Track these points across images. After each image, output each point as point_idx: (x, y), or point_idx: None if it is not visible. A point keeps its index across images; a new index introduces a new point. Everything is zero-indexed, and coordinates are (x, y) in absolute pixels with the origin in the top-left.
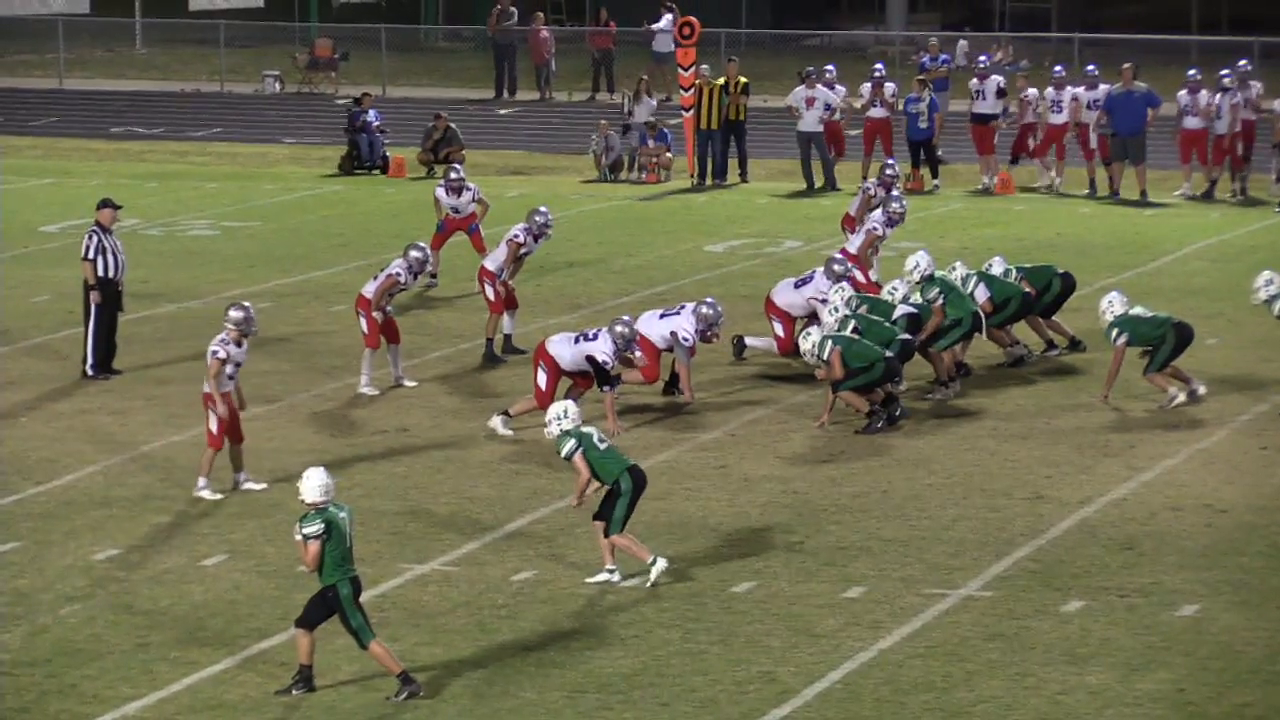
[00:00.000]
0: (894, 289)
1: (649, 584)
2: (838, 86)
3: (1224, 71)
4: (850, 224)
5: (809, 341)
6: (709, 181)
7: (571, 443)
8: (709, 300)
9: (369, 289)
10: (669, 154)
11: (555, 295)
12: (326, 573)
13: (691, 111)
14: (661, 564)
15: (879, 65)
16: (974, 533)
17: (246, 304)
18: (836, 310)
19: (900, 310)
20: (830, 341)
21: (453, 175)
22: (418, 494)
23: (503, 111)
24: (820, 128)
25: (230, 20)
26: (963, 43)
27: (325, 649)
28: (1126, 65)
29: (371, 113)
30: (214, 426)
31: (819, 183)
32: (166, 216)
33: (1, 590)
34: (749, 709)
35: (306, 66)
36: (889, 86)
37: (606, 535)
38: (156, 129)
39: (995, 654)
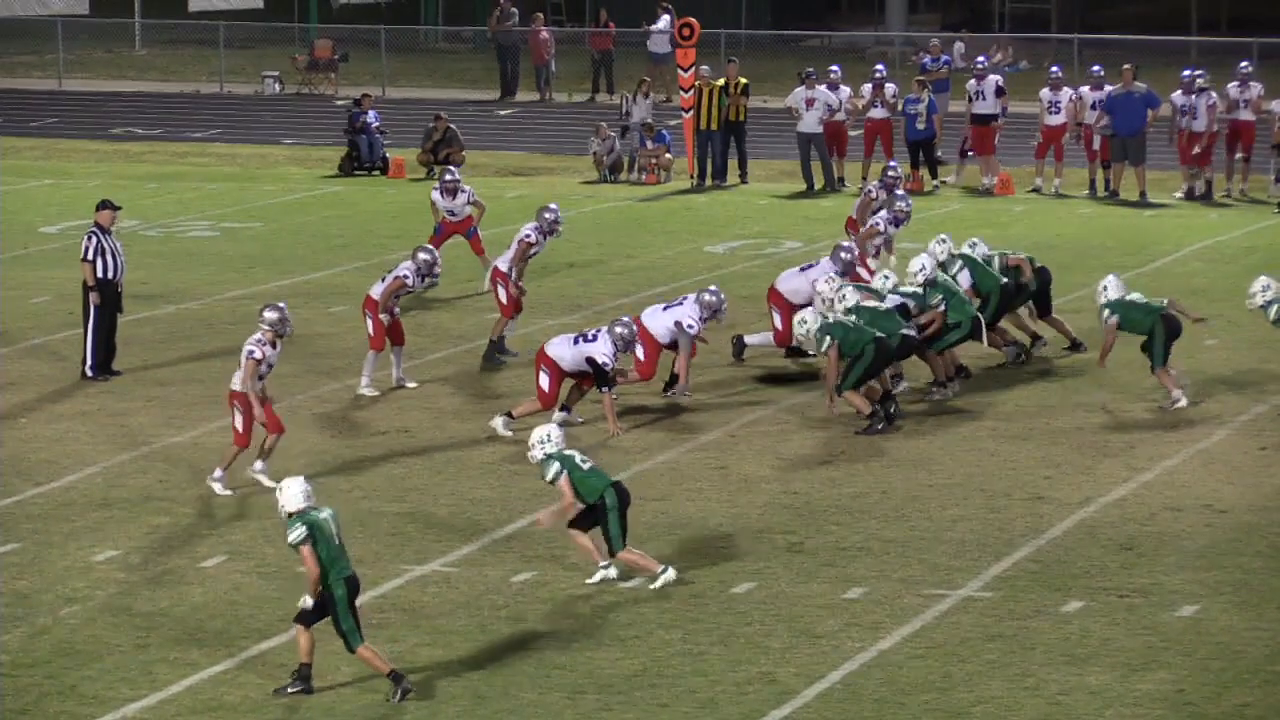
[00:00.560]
0: (886, 277)
1: (652, 586)
2: (842, 88)
3: (1198, 72)
4: (853, 226)
5: (804, 327)
6: (709, 182)
7: (556, 466)
8: (712, 288)
9: (376, 290)
10: (669, 155)
11: (555, 296)
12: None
13: (691, 112)
14: (670, 574)
15: (880, 66)
16: (974, 533)
17: (281, 304)
18: (828, 301)
19: (890, 300)
20: (828, 335)
21: (448, 177)
22: (418, 495)
23: (502, 112)
24: (820, 129)
25: (230, 21)
26: (959, 44)
27: (324, 650)
28: (1126, 66)
29: (371, 114)
30: (240, 425)
31: (819, 184)
32: (166, 217)
33: (1, 591)
34: (749, 710)
35: (306, 67)
36: (889, 87)
37: (612, 554)
38: (156, 130)
39: (995, 654)
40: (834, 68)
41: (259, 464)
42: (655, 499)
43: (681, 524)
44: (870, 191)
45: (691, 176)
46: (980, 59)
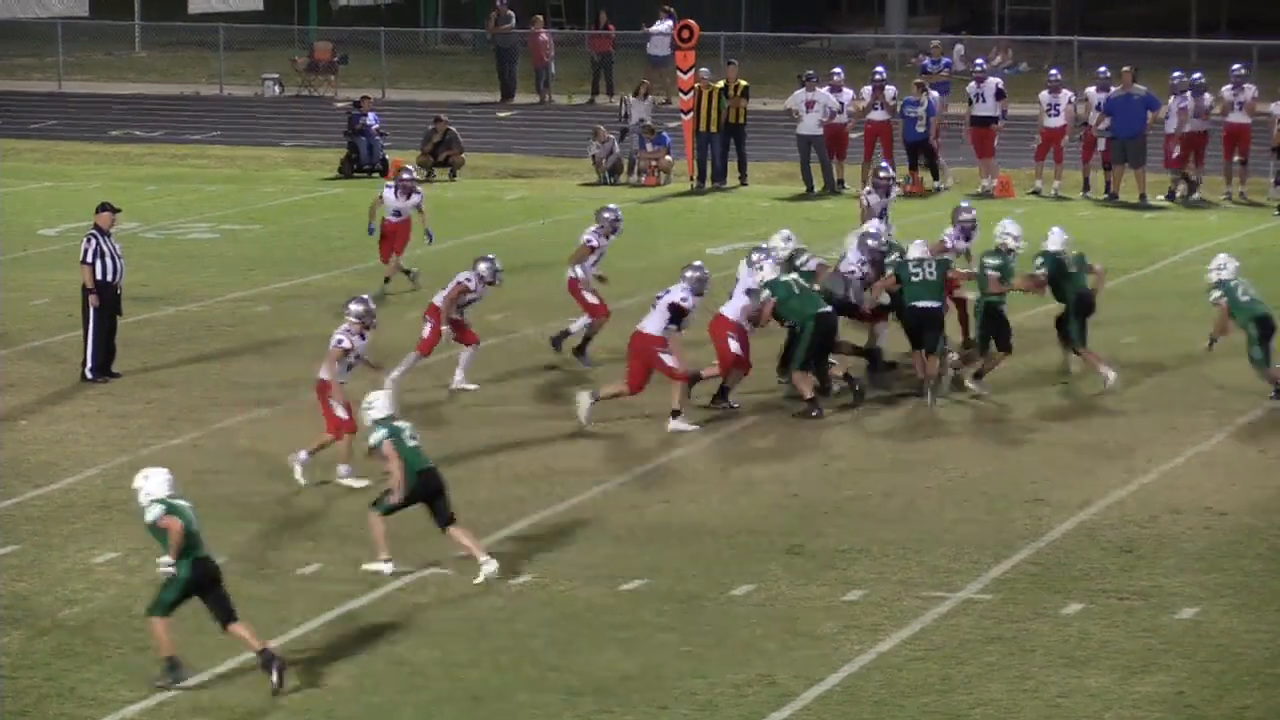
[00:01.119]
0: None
1: (475, 581)
2: (845, 90)
3: (1175, 72)
4: None
5: (756, 277)
6: (709, 184)
7: (382, 432)
8: (695, 264)
9: (440, 298)
10: (668, 157)
11: (555, 297)
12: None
13: (691, 115)
14: (493, 567)
15: (880, 68)
16: (973, 536)
17: (365, 296)
18: (777, 251)
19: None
20: (768, 288)
21: (405, 175)
22: None
23: (502, 114)
24: (820, 131)
25: (229, 23)
26: (959, 46)
27: (323, 651)
28: (1126, 68)
29: (371, 115)
30: (342, 412)
31: (818, 186)
32: (166, 219)
33: (1, 593)
34: (748, 712)
35: (306, 69)
36: (889, 89)
37: (443, 529)
38: (156, 132)
39: (994, 657)
40: (837, 70)
41: (303, 455)
42: (654, 501)
43: (681, 526)
44: (863, 199)
45: (691, 179)
46: (980, 61)
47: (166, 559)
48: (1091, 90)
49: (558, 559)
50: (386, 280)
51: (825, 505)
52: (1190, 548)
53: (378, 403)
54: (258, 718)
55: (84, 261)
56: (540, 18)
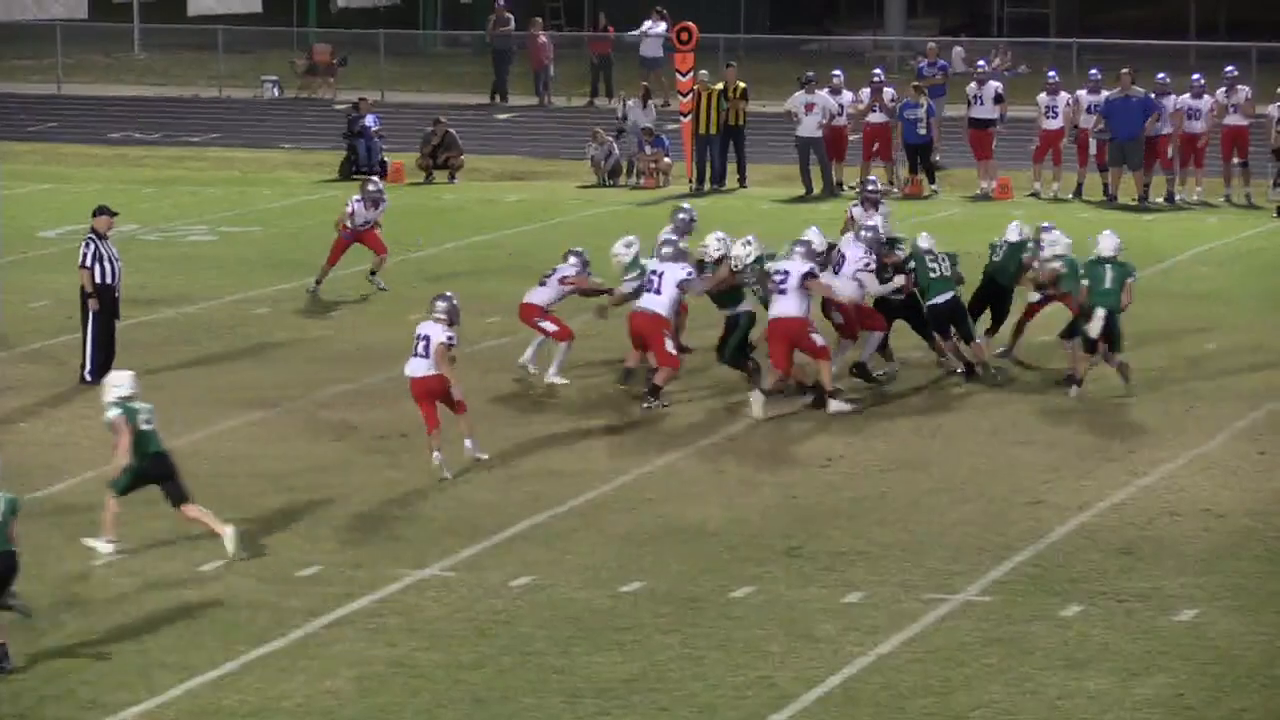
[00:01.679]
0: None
1: (232, 558)
2: (845, 92)
3: (1159, 75)
4: None
5: (749, 248)
6: (707, 187)
7: (117, 410)
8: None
9: (535, 297)
10: (667, 159)
11: None
12: None
13: (689, 117)
14: (230, 531)
15: (878, 70)
16: (973, 537)
17: (448, 294)
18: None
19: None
20: (758, 262)
21: (371, 188)
22: (416, 499)
23: (501, 116)
24: (819, 133)
25: (229, 25)
26: (958, 49)
27: (324, 654)
28: (1125, 70)
29: (370, 117)
30: (459, 394)
31: (817, 188)
32: (164, 221)
33: None
34: (748, 714)
35: (305, 72)
36: (888, 92)
37: (176, 507)
38: (155, 134)
39: (994, 659)
40: (836, 71)
41: (468, 442)
42: (655, 503)
43: (680, 528)
44: (851, 212)
45: (690, 181)
46: (980, 63)
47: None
48: (1083, 93)
49: (558, 561)
50: (318, 282)
51: (825, 507)
52: (1189, 550)
53: (120, 382)
54: (257, 718)
55: (83, 265)
56: (539, 20)
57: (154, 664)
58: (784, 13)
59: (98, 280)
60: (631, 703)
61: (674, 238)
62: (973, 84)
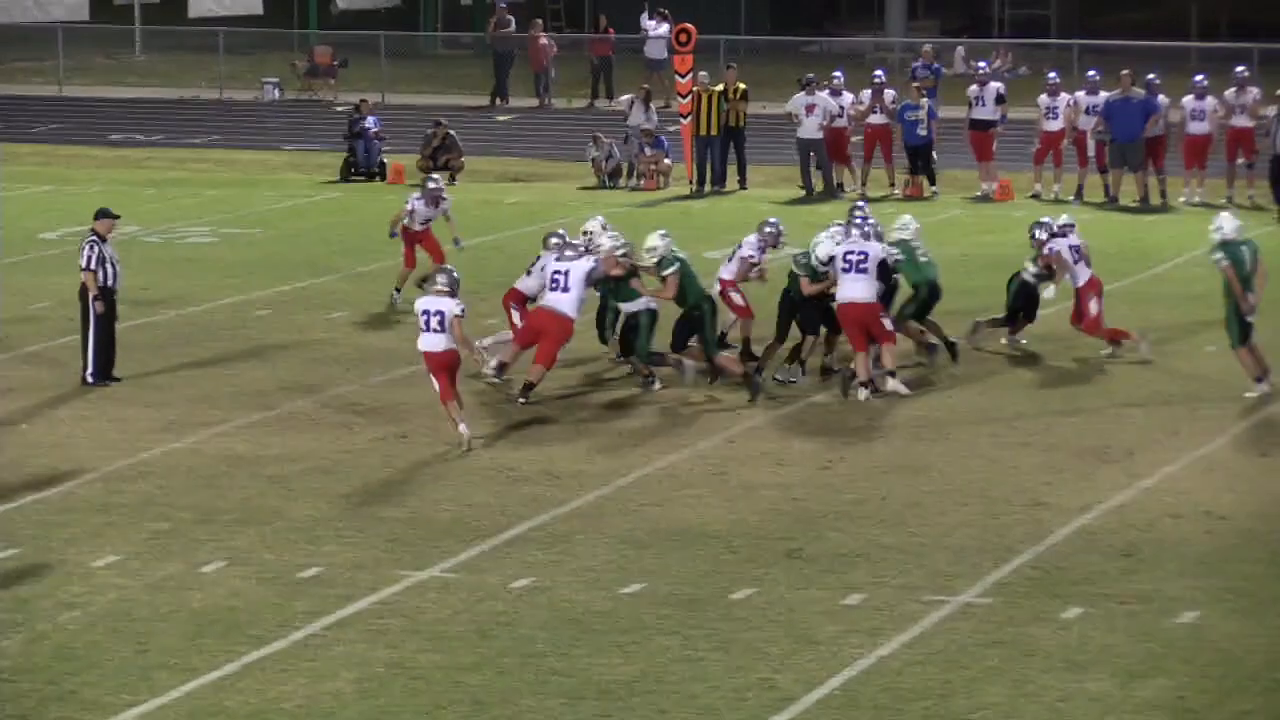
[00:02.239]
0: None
1: None
2: (845, 94)
3: (1149, 76)
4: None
5: (652, 241)
6: (708, 188)
7: None
8: (771, 219)
9: (726, 271)
10: (668, 161)
11: None
12: None
13: (689, 118)
14: None
15: (879, 72)
16: (973, 540)
17: (448, 267)
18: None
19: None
20: (676, 262)
21: (431, 185)
22: (416, 501)
23: (501, 118)
24: (820, 135)
25: (230, 27)
26: (959, 49)
27: (324, 655)
28: (1125, 72)
29: (371, 119)
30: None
31: (818, 189)
32: (165, 223)
33: (1, 597)
34: (748, 716)
35: (306, 73)
36: (888, 93)
37: None
38: (156, 136)
39: (995, 661)
40: (837, 73)
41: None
42: (654, 505)
43: (680, 530)
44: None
45: (690, 182)
46: (982, 64)
47: None
48: (1081, 94)
49: (558, 563)
50: (398, 289)
51: (825, 509)
52: (1191, 552)
53: None
54: None
55: (86, 268)
56: (540, 21)
57: (155, 665)
58: (784, 14)
59: (99, 282)
60: (632, 704)
61: (759, 255)
62: (974, 85)
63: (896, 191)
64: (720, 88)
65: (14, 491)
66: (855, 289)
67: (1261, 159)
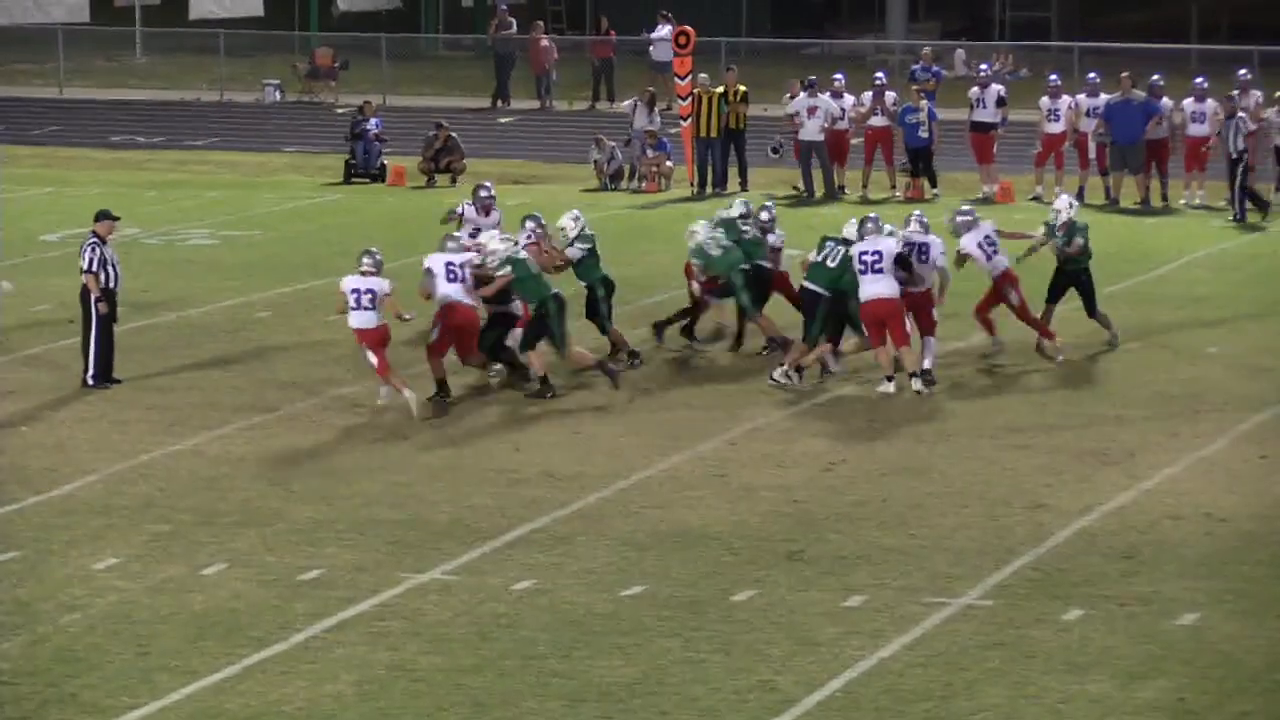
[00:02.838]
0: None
1: None
2: (846, 95)
3: (1154, 78)
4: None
5: (495, 257)
6: (709, 190)
7: None
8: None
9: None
10: (669, 163)
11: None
12: None
13: (689, 120)
14: None
15: (880, 74)
16: (974, 541)
17: (373, 249)
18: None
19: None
20: (510, 263)
21: (483, 193)
22: (417, 503)
23: (503, 120)
24: (821, 137)
25: (230, 29)
26: (960, 52)
27: (325, 656)
28: (1125, 74)
29: (372, 121)
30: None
31: (819, 192)
32: (166, 225)
33: (1, 599)
34: (749, 718)
35: (307, 75)
36: (889, 95)
37: None
38: (157, 138)
39: (995, 663)
40: (838, 75)
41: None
42: (655, 506)
43: (681, 531)
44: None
45: (692, 184)
46: (983, 66)
47: None
48: (1081, 97)
49: (559, 565)
50: None
51: (826, 511)
52: (1191, 554)
53: None
54: None
55: (88, 270)
56: (541, 23)
57: (156, 667)
58: (785, 17)
59: (101, 284)
60: (633, 706)
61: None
62: (975, 88)
63: (898, 194)
64: (720, 90)
65: (14, 494)
66: (875, 287)
67: (1262, 160)
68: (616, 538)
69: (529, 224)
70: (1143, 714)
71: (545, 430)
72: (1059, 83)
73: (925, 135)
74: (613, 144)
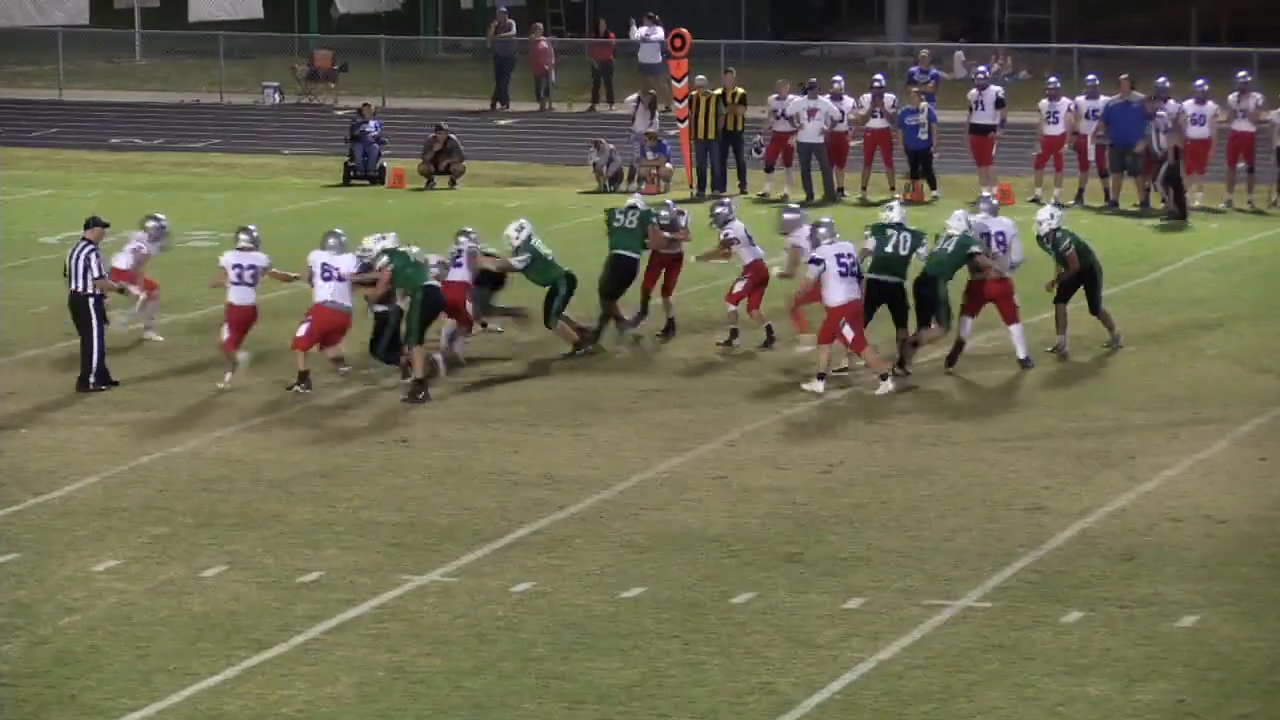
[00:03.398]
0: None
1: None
2: (846, 98)
3: (1160, 80)
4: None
5: (368, 241)
6: (708, 192)
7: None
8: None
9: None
10: (668, 165)
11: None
12: None
13: (686, 122)
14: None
15: (879, 76)
16: (974, 543)
17: (250, 226)
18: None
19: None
20: (387, 256)
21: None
22: (416, 505)
23: (502, 122)
24: (821, 139)
25: (230, 31)
26: (959, 54)
27: (324, 658)
28: (1124, 76)
29: (372, 123)
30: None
31: (818, 194)
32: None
33: (1, 601)
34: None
35: (306, 77)
36: (889, 97)
37: None
38: (156, 140)
39: (995, 665)
40: (837, 77)
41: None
42: (654, 508)
43: (681, 534)
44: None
45: (690, 186)
46: (982, 68)
47: None
48: (1081, 99)
49: (559, 567)
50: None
51: (825, 513)
52: (1191, 556)
53: None
54: None
55: (99, 276)
56: (540, 26)
57: (156, 669)
58: (784, 19)
59: (91, 290)
60: (632, 709)
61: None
62: (974, 90)
63: (898, 196)
64: (719, 91)
65: (14, 495)
66: (851, 290)
67: (1267, 163)
68: (616, 540)
69: (461, 240)
70: (1142, 716)
71: (545, 432)
72: (1058, 85)
73: (925, 137)
74: (611, 146)
